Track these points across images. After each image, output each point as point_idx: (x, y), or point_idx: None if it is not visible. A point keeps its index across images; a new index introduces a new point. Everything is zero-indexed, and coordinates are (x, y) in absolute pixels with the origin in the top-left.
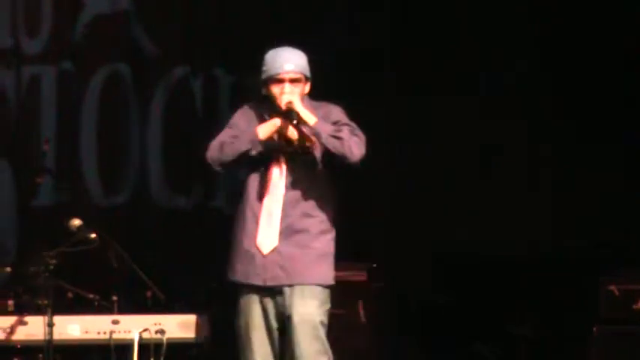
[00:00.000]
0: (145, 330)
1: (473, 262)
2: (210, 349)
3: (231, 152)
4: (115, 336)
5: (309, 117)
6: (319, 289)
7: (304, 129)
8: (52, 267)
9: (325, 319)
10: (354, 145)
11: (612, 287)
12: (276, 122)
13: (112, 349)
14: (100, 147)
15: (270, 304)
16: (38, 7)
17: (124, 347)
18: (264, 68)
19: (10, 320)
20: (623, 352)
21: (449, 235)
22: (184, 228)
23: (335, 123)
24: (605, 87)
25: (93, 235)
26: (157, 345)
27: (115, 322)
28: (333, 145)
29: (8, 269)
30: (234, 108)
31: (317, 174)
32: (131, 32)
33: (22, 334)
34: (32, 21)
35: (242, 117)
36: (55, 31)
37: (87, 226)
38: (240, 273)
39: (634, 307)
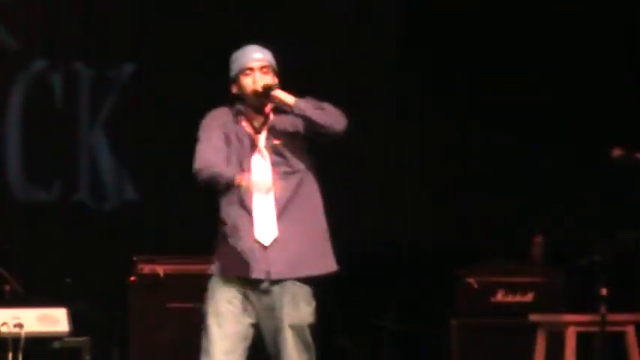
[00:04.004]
0: (4, 324)
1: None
2: (69, 343)
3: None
4: None
5: (287, 97)
6: (307, 287)
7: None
8: None
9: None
10: (338, 114)
11: (471, 280)
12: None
13: None
14: None
15: (253, 298)
16: None
17: None
18: (233, 66)
19: None
20: (481, 343)
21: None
22: (45, 221)
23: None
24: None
25: None
26: (15, 339)
27: None
28: (318, 116)
29: None
30: (95, 101)
31: (302, 158)
32: None
33: None
34: None
35: (214, 124)
36: None
37: None
38: (236, 268)
39: (492, 299)
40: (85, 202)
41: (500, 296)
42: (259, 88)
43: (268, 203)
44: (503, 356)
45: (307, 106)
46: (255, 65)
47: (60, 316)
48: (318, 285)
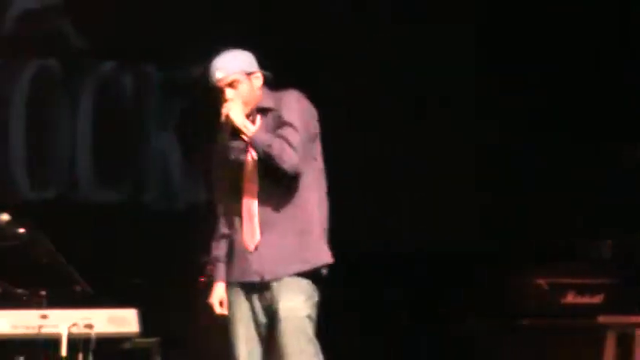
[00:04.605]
0: (74, 325)
1: (403, 259)
2: (139, 343)
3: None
4: (43, 330)
5: (247, 128)
6: (305, 281)
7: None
8: None
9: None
10: (284, 159)
11: (541, 281)
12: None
13: (41, 344)
14: (28, 142)
15: (258, 299)
16: None
17: (53, 342)
18: None
19: None
20: (550, 345)
21: (383, 233)
22: (113, 223)
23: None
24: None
25: (21, 230)
26: (86, 340)
27: (44, 317)
28: (266, 159)
29: None
30: (165, 103)
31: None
32: (60, 27)
33: None
34: None
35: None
36: None
37: (16, 220)
38: (236, 273)
39: (562, 300)
40: (155, 203)
41: (570, 297)
42: (224, 119)
43: (253, 205)
44: (572, 358)
45: (260, 144)
46: (221, 84)
47: (130, 317)
48: (320, 279)
